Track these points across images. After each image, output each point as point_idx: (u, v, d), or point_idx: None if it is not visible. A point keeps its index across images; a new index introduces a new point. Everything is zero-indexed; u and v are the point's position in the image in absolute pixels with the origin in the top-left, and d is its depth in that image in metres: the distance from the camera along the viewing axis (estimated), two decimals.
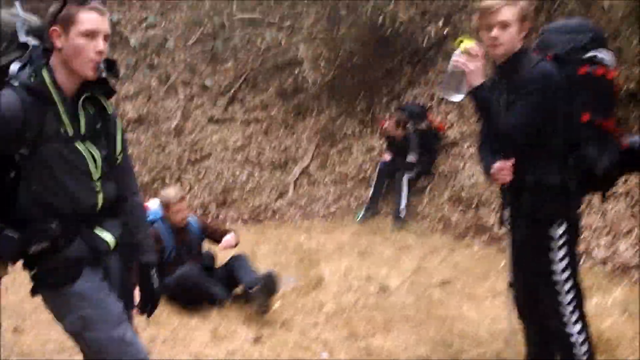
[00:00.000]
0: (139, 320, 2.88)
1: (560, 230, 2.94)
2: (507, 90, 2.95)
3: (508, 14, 2.88)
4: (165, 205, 5.28)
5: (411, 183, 8.20)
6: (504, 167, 2.97)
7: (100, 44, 2.30)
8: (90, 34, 2.29)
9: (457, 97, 2.93)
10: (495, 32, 2.90)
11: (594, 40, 2.95)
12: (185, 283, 5.03)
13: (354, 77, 10.00)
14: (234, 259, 5.27)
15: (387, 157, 8.49)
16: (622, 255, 5.49)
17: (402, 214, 7.88)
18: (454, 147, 8.45)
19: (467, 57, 2.86)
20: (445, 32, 9.27)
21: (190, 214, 5.56)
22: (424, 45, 9.75)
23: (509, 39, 2.90)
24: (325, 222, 8.46)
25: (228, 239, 5.28)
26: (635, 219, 5.64)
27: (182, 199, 5.29)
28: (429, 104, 9.05)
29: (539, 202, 2.96)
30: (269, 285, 4.84)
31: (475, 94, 2.89)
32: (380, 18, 8.98)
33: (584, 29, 3.00)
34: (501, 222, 3.23)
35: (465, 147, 8.28)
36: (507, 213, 3.11)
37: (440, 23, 9.41)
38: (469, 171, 7.94)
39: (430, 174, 8.36)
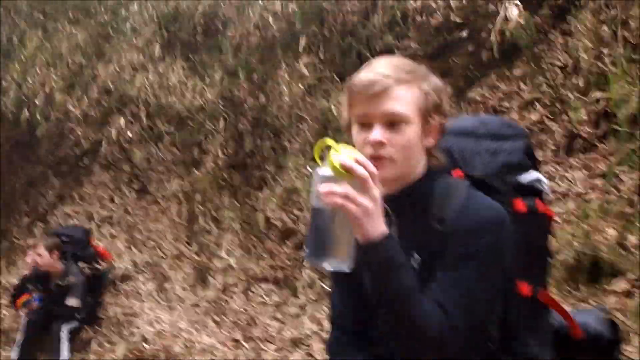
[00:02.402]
0: None
1: None
2: (409, 248, 1.55)
3: (404, 100, 1.54)
4: None
5: (74, 335, 6.12)
6: None
7: None
8: None
9: (340, 264, 1.45)
10: (378, 132, 1.54)
11: (529, 153, 1.74)
12: None
13: None
14: None
15: (35, 303, 6.25)
16: None
17: None
18: (127, 281, 6.68)
19: (347, 182, 1.40)
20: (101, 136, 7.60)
21: None
22: (76, 151, 7.91)
23: (406, 147, 1.55)
24: None
25: None
26: None
27: None
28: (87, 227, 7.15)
29: None
30: None
31: (376, 255, 1.45)
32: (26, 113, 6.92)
33: (513, 132, 1.76)
34: None
35: (141, 281, 6.59)
36: None
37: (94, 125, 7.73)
38: (149, 314, 6.24)
39: (97, 321, 6.37)
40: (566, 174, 4.59)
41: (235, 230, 6.20)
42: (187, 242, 6.63)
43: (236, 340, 5.56)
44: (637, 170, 4.04)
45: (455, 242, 1.51)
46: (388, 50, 5.72)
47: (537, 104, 5.30)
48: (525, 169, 1.70)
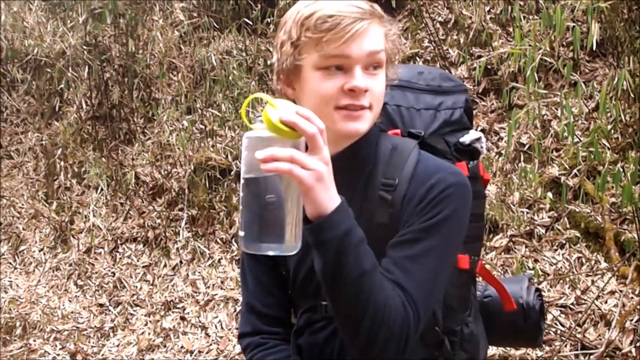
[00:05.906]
0: None
1: None
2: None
3: (381, 41, 1.29)
4: None
5: None
6: None
7: None
8: None
9: (287, 249, 1.15)
10: (361, 79, 1.25)
11: (468, 109, 1.54)
12: None
13: None
14: None
15: None
16: None
17: None
18: None
19: (290, 143, 1.13)
20: None
21: None
22: None
23: (381, 97, 1.31)
24: None
25: None
26: None
27: None
28: None
29: None
30: None
31: (333, 231, 1.16)
32: None
33: (454, 86, 1.55)
34: None
35: None
36: None
37: None
38: (2, 279, 5.71)
39: None
40: None
41: (100, 187, 5.75)
42: (45, 200, 6.10)
43: (102, 305, 5.20)
44: (517, 129, 4.07)
45: (414, 212, 1.29)
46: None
47: (418, 59, 5.26)
48: (466, 127, 1.52)
